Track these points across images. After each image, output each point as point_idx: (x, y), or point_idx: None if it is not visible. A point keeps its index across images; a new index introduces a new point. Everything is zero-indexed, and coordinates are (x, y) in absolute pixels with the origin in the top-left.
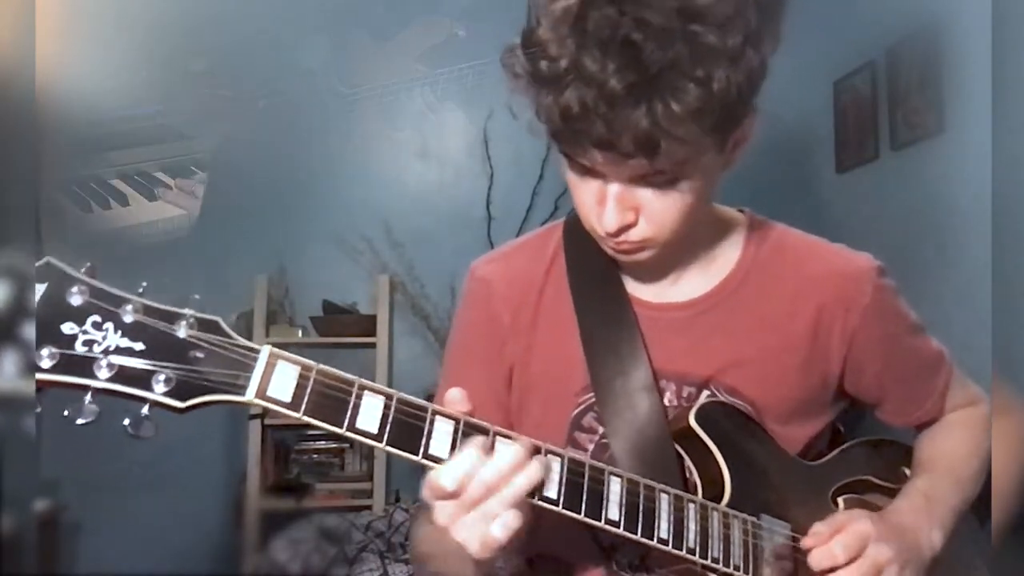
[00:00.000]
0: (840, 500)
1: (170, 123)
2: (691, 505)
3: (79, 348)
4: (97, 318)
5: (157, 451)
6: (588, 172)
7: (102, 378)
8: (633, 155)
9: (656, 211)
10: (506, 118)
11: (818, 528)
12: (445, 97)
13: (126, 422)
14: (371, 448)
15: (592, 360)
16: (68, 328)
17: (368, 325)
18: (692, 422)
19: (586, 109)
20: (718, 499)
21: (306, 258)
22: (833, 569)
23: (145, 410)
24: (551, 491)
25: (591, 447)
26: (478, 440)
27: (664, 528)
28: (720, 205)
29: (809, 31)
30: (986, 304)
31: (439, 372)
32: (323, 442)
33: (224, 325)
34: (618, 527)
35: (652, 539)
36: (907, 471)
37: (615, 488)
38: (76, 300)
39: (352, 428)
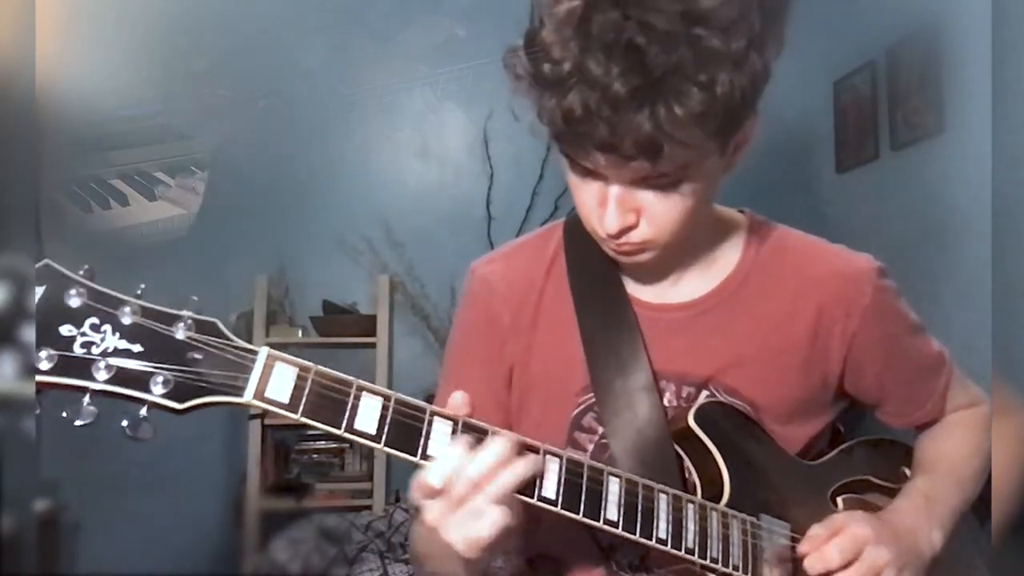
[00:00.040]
0: (840, 500)
1: (170, 123)
2: (690, 505)
3: (77, 350)
4: (95, 320)
5: (157, 451)
6: (589, 174)
7: (100, 380)
8: (635, 158)
9: (657, 213)
10: (506, 118)
11: (815, 531)
12: (445, 97)
13: (124, 423)
14: (371, 448)
15: (592, 360)
16: (66, 330)
17: (368, 325)
18: (691, 422)
19: (589, 112)
20: (717, 499)
21: (306, 258)
22: (829, 573)
23: (143, 411)
24: (550, 491)
25: (591, 447)
26: (465, 438)
27: (663, 528)
28: (720, 206)
29: (809, 31)
30: (986, 304)
31: (439, 372)
32: (323, 442)
33: (222, 326)
34: (617, 527)
35: (651, 539)
36: (907, 471)
37: (614, 488)
38: (74, 302)
39: (350, 429)
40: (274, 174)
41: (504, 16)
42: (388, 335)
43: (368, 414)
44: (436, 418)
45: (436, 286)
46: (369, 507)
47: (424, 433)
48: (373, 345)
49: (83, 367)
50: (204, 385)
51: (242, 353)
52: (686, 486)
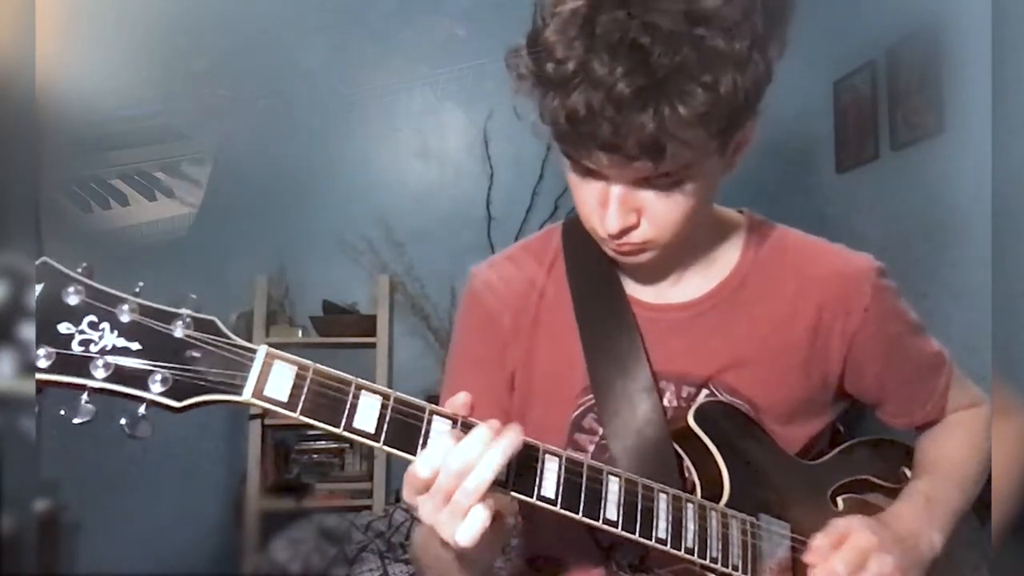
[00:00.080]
0: (840, 500)
1: (170, 123)
2: (690, 505)
3: (75, 348)
4: (93, 318)
5: (157, 451)
6: (590, 173)
7: (99, 378)
8: (638, 158)
9: (658, 213)
10: (506, 118)
11: (819, 543)
12: (445, 97)
13: (123, 422)
14: (371, 448)
15: (591, 361)
16: (64, 328)
17: (368, 325)
18: (691, 422)
19: (592, 112)
20: (717, 499)
21: (306, 258)
22: None
23: (142, 410)
24: (549, 491)
25: (591, 448)
26: (456, 432)
27: (663, 528)
28: (720, 206)
29: (809, 31)
30: (986, 304)
31: (439, 372)
32: (323, 442)
33: (220, 325)
34: (616, 527)
35: (651, 539)
36: (907, 471)
37: (613, 488)
38: (72, 300)
39: (349, 428)
40: (274, 174)
41: (504, 16)
42: (388, 335)
43: (367, 413)
44: (435, 417)
45: (436, 286)
46: (369, 507)
47: (423, 432)
48: (373, 345)
49: (81, 365)
50: (203, 383)
51: (241, 351)
52: (686, 486)
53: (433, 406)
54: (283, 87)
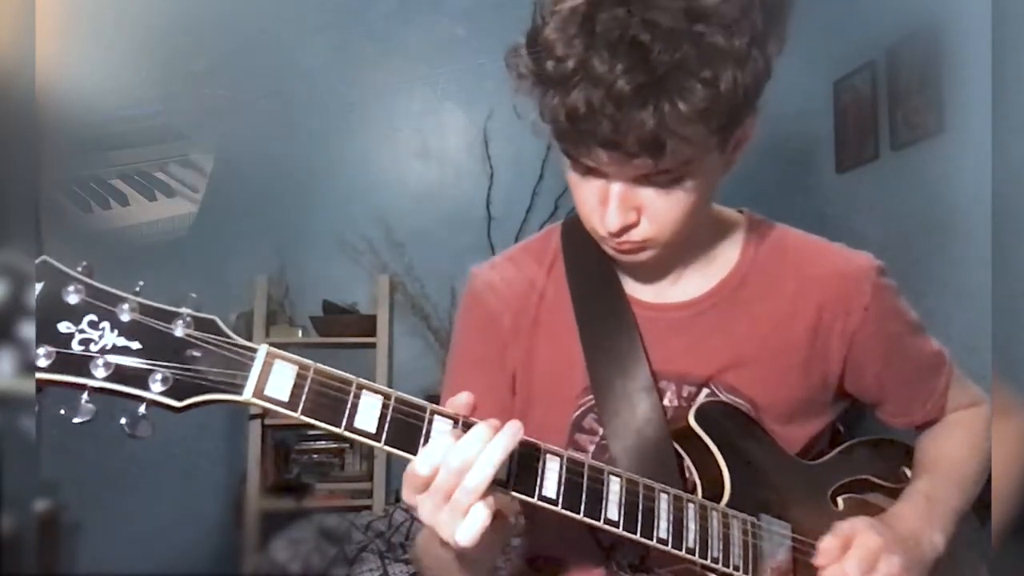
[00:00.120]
0: (840, 500)
1: (170, 123)
2: (690, 505)
3: (75, 347)
4: (93, 317)
5: (157, 451)
6: (590, 172)
7: (99, 377)
8: (638, 155)
9: (658, 211)
10: (506, 118)
11: (828, 544)
12: (445, 97)
13: (123, 421)
14: (371, 448)
15: (592, 361)
16: (64, 327)
17: (368, 325)
18: (691, 422)
19: (593, 109)
20: (718, 499)
21: (306, 258)
22: None
23: (142, 409)
24: (550, 491)
25: (592, 448)
26: (454, 431)
27: (663, 528)
28: (720, 205)
29: (809, 31)
30: (986, 304)
31: (439, 372)
32: (323, 442)
33: (221, 324)
34: (617, 527)
35: (651, 539)
36: (907, 471)
37: (614, 488)
38: (72, 299)
39: (350, 428)
40: (274, 174)
41: (504, 16)
42: (388, 335)
43: (368, 412)
44: (437, 417)
45: (436, 286)
46: (369, 507)
47: (424, 432)
48: (373, 345)
49: (81, 364)
50: (203, 383)
51: (241, 351)
52: (686, 486)
53: (434, 406)
54: (283, 87)
